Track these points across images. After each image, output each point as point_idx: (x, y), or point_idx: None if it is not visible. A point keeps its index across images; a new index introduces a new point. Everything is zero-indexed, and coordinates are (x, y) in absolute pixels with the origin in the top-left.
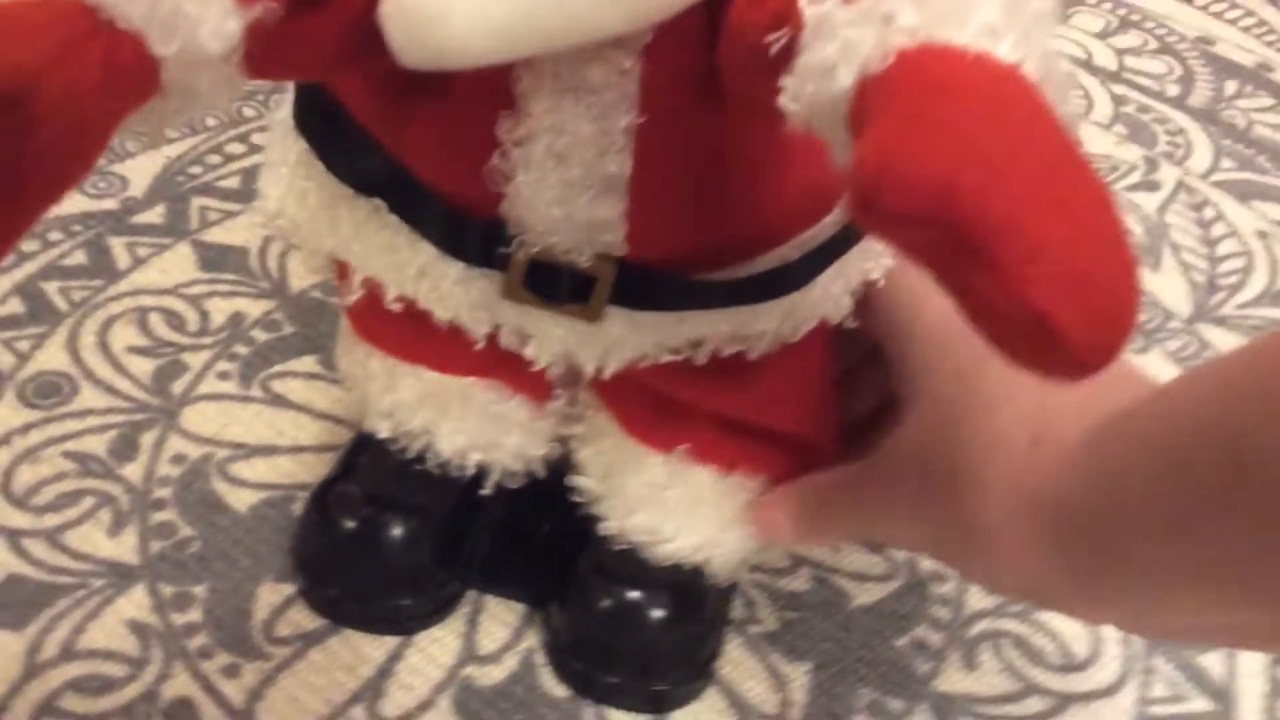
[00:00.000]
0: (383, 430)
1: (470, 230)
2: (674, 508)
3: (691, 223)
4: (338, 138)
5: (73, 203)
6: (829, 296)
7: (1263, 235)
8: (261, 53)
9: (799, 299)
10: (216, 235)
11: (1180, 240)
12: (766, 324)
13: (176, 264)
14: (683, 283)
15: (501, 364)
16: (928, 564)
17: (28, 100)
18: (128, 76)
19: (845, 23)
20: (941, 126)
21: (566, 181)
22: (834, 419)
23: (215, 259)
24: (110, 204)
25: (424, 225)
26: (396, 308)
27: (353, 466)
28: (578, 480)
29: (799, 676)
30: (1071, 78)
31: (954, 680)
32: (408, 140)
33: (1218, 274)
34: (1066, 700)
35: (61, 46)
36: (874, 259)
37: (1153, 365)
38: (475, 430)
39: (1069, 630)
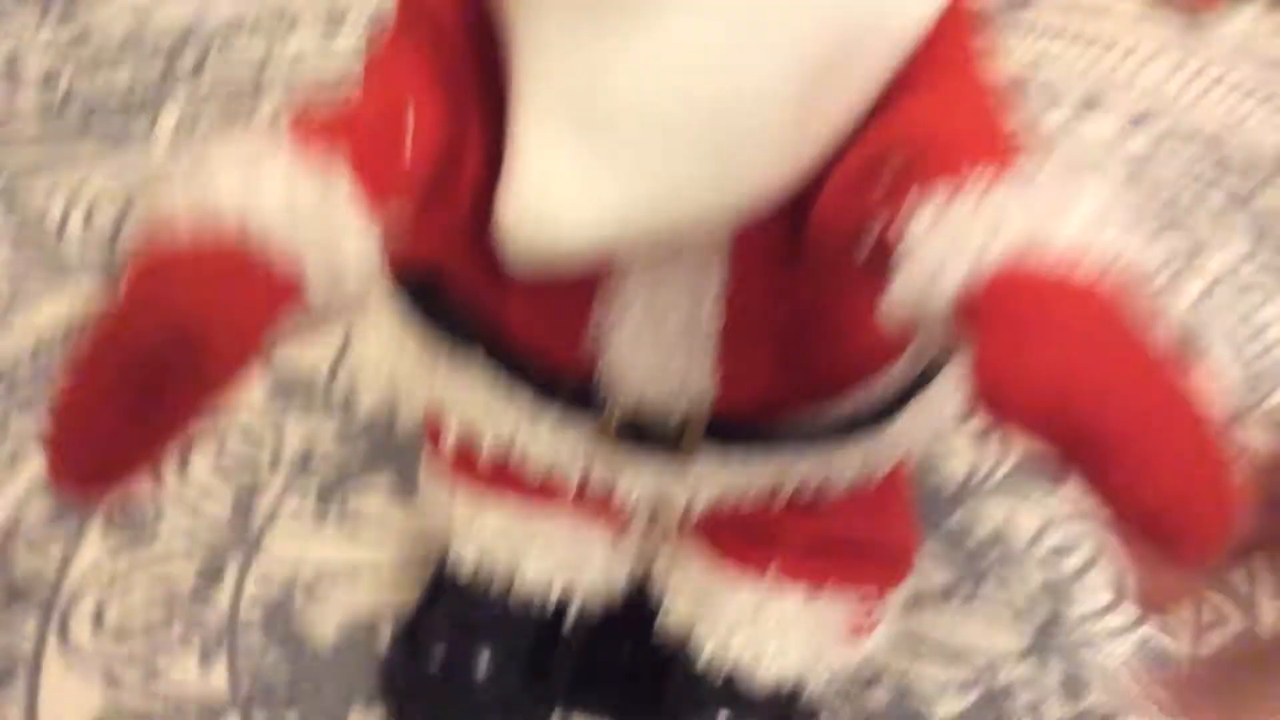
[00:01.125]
0: (467, 560)
1: (566, 385)
2: (770, 629)
3: (773, 374)
4: (436, 296)
5: None
6: (906, 438)
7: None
8: (390, 254)
9: (874, 442)
10: (287, 357)
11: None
12: (844, 464)
13: (249, 387)
14: (765, 427)
15: (584, 494)
16: (1005, 674)
17: (203, 341)
18: (286, 311)
19: (954, 229)
20: (1051, 343)
21: (660, 345)
22: (915, 525)
23: (287, 380)
24: None
25: (521, 379)
26: (490, 455)
27: (437, 595)
28: (668, 605)
29: None
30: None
31: None
32: (507, 306)
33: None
34: None
35: (233, 294)
36: (954, 403)
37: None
38: (559, 560)
39: None
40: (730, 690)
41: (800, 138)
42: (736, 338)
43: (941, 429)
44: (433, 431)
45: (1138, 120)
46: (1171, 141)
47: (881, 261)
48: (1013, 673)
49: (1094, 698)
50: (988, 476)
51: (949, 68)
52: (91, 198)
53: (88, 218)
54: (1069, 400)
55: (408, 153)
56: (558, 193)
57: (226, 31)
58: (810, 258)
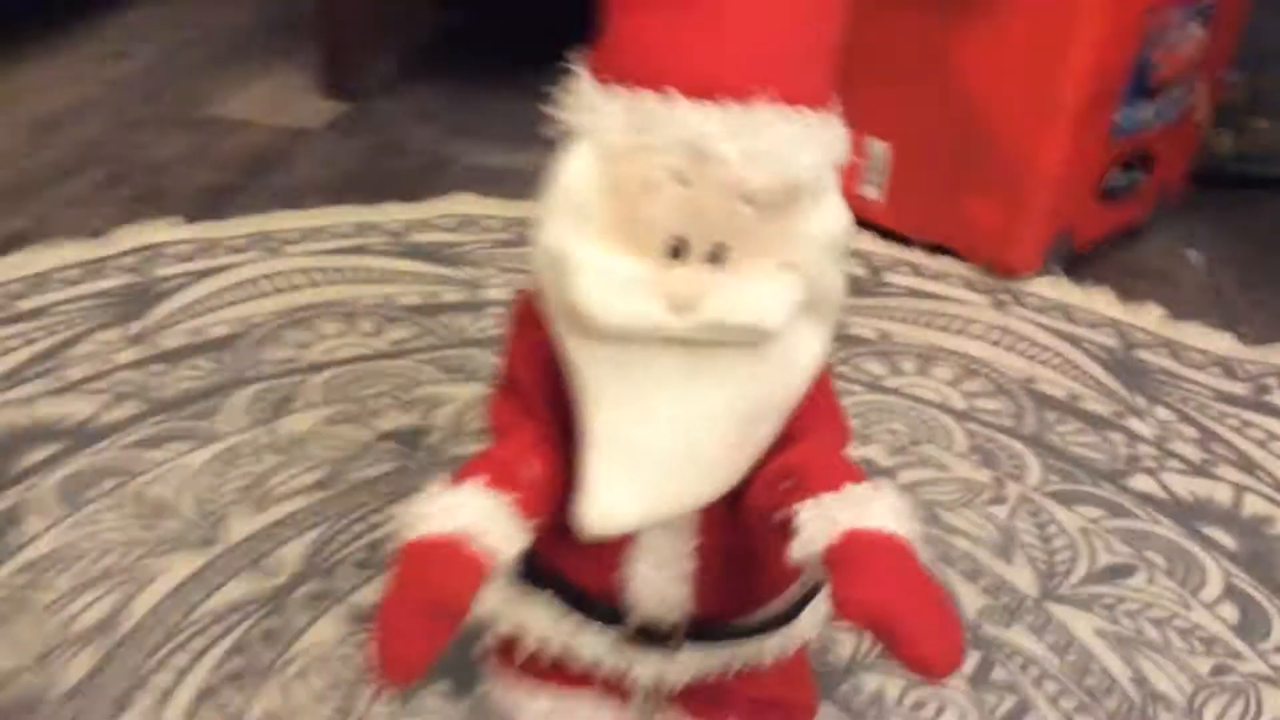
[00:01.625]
0: None
1: (602, 609)
2: None
3: (726, 593)
4: (529, 557)
5: (236, 589)
6: (807, 627)
7: (1084, 531)
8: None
9: (790, 631)
10: (365, 595)
11: (1026, 539)
12: (771, 648)
13: (331, 626)
14: (723, 626)
15: (606, 678)
16: None
17: (458, 599)
18: (487, 577)
19: (817, 517)
20: (870, 581)
21: (661, 579)
22: (816, 690)
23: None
24: (271, 583)
25: (575, 606)
26: (550, 657)
27: None
28: None
29: None
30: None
31: None
32: (566, 561)
33: (1055, 563)
34: None
35: (476, 582)
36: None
37: (1015, 639)
38: None
39: None
40: None
41: (739, 462)
42: (704, 573)
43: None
44: (505, 646)
45: (959, 377)
46: (988, 393)
47: (785, 531)
48: None
49: None
50: (866, 654)
51: (817, 413)
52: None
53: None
54: (881, 612)
55: (536, 482)
56: (613, 502)
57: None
58: (745, 526)
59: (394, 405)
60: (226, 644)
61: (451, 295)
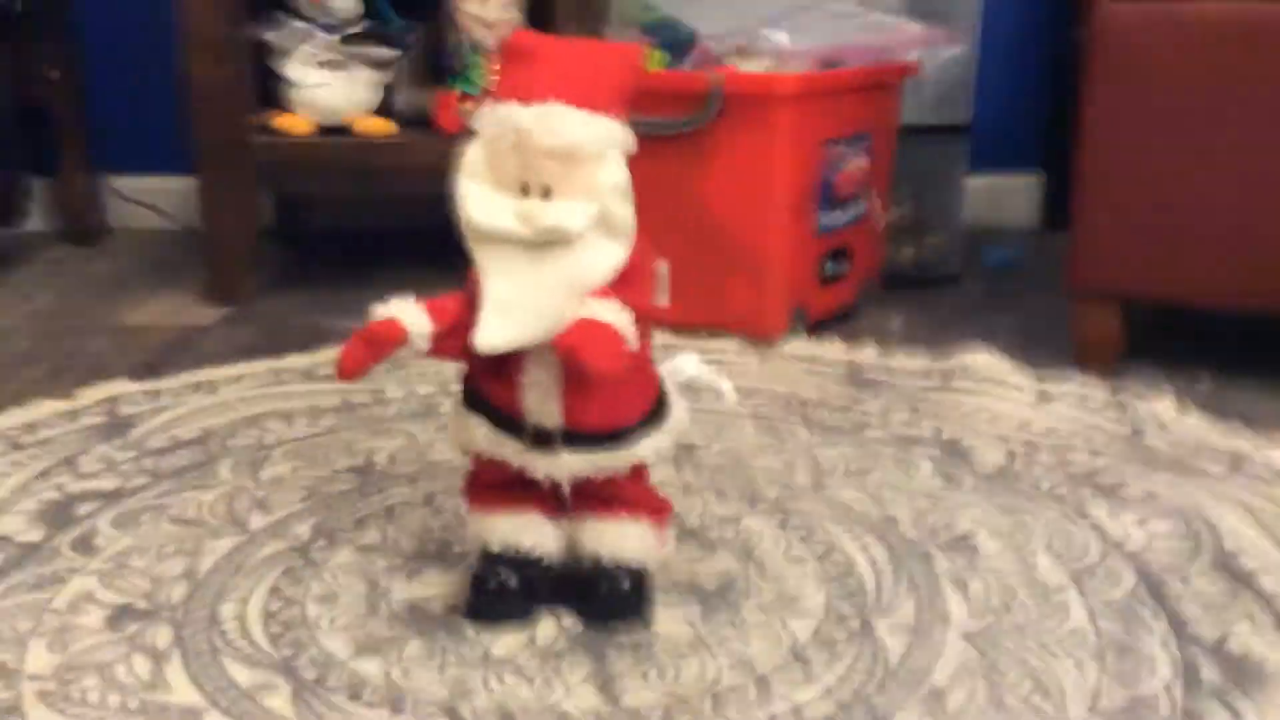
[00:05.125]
0: (494, 545)
1: (512, 422)
2: (627, 543)
3: (589, 411)
4: (468, 394)
5: (271, 547)
6: (648, 449)
7: (836, 460)
8: (433, 344)
9: (635, 449)
10: (362, 538)
11: (801, 466)
12: (625, 459)
13: (346, 554)
14: (587, 436)
15: (538, 503)
16: None
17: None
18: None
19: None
20: (564, 332)
21: (543, 397)
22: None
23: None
24: (294, 544)
25: (496, 423)
26: (493, 463)
27: (485, 558)
28: (581, 543)
29: None
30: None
31: None
32: (489, 390)
33: (823, 471)
34: None
35: (396, 335)
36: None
37: (808, 507)
38: (532, 535)
39: None
40: (616, 571)
41: (567, 311)
42: (569, 393)
43: (662, 450)
44: (472, 492)
45: (743, 399)
46: (766, 403)
47: None
48: None
49: None
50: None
51: (622, 289)
52: None
53: None
54: (558, 344)
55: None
56: (494, 330)
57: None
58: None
59: (342, 454)
60: (279, 569)
61: (361, 398)
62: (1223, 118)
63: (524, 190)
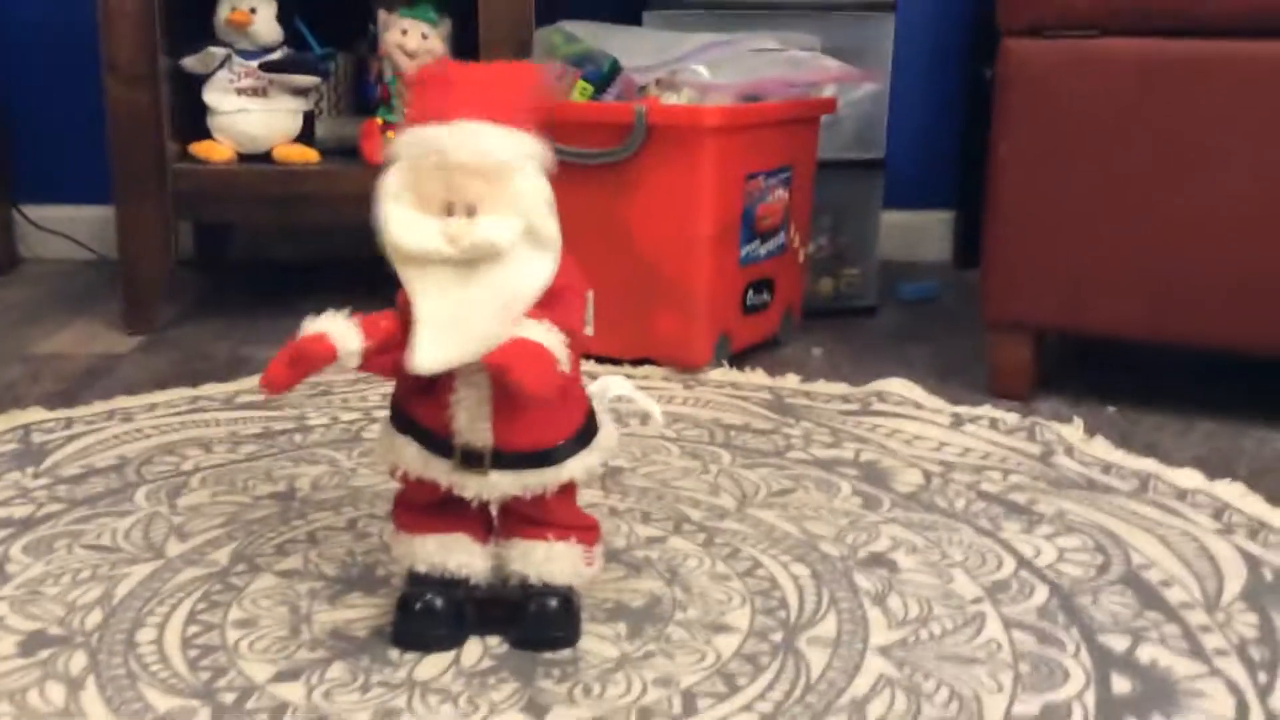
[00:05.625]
0: (420, 566)
1: (441, 443)
2: (556, 564)
3: (518, 431)
4: (397, 415)
5: (189, 573)
6: (577, 468)
7: (762, 479)
8: (364, 360)
9: (564, 468)
10: (284, 564)
11: (725, 484)
12: (554, 478)
13: (267, 580)
14: (516, 455)
15: (465, 525)
16: None
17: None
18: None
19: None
20: (497, 352)
21: (472, 417)
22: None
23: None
24: (213, 569)
25: (425, 443)
26: (421, 484)
27: (414, 582)
28: (509, 564)
29: None
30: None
31: None
32: (418, 411)
33: (747, 492)
34: None
35: (324, 352)
36: (598, 457)
37: (729, 526)
38: (459, 556)
39: None
40: (544, 591)
41: (499, 330)
42: (499, 416)
43: (591, 469)
44: (397, 514)
45: (669, 424)
46: (690, 427)
47: None
48: None
49: None
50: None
51: (553, 308)
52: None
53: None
54: (491, 363)
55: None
56: (428, 352)
57: None
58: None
59: (263, 481)
60: (197, 594)
61: (283, 425)
62: (1129, 153)
63: (448, 210)
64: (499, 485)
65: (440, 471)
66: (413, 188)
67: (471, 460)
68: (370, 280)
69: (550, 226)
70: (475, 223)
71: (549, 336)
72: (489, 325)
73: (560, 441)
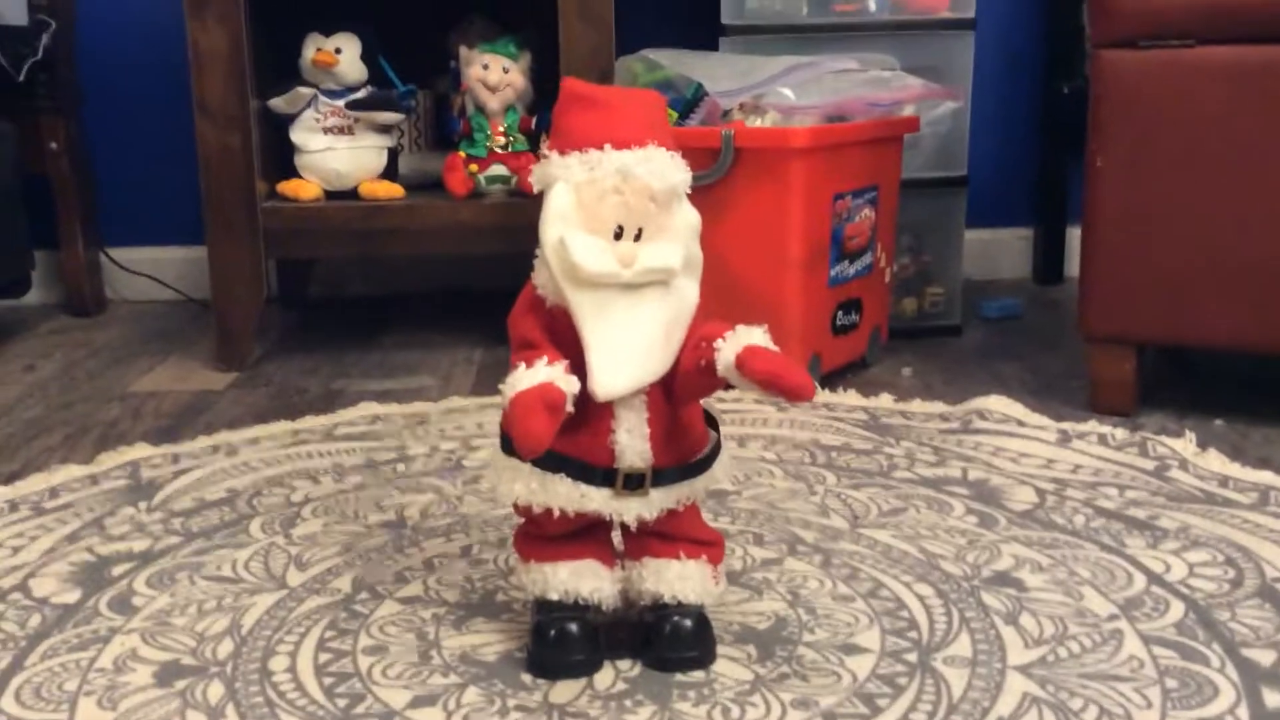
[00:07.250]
0: (553, 594)
1: (597, 472)
2: (687, 582)
3: (670, 448)
4: (545, 456)
5: (313, 602)
6: (720, 474)
7: (870, 498)
8: None
9: (710, 474)
10: (406, 591)
11: (834, 506)
12: (704, 485)
13: (389, 608)
14: (672, 471)
15: (594, 551)
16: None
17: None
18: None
19: (726, 345)
20: (763, 360)
21: (634, 440)
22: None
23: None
24: (336, 598)
25: (579, 476)
26: (562, 520)
27: (543, 608)
28: (640, 585)
29: None
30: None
31: None
32: (573, 446)
33: (856, 512)
34: None
35: (563, 400)
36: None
37: (845, 546)
38: (591, 582)
39: None
40: (678, 611)
41: (670, 351)
42: (655, 435)
43: (729, 471)
44: (523, 546)
45: (767, 446)
46: (788, 449)
47: (710, 370)
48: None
49: None
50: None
51: (707, 321)
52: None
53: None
54: (767, 372)
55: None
56: (609, 378)
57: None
58: (675, 397)
59: (373, 510)
60: (324, 622)
61: (385, 456)
62: (1227, 161)
63: (617, 234)
64: (658, 502)
65: (599, 501)
66: (584, 209)
67: (633, 482)
68: (444, 313)
69: (699, 253)
70: (649, 247)
71: (765, 337)
72: (660, 347)
73: (706, 450)
